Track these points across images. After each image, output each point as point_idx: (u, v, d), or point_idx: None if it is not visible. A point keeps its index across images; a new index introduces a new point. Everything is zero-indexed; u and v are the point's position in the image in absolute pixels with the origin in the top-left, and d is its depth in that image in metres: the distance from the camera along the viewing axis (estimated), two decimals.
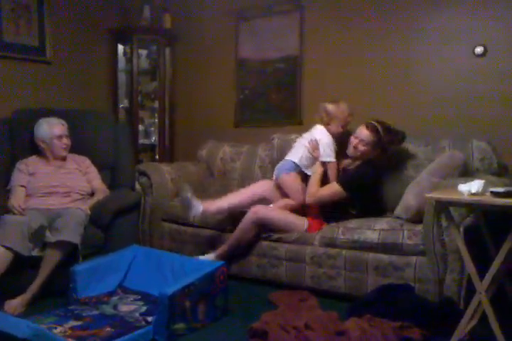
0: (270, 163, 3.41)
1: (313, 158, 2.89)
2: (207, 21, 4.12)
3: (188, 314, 2.15)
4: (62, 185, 2.88)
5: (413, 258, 2.42)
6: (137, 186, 3.37)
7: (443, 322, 2.11)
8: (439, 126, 3.12)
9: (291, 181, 2.92)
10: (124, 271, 2.59)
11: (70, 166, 3.01)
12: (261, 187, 3.05)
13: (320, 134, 2.92)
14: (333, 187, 2.78)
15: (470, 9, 3.01)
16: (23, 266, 2.47)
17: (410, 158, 2.91)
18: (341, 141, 2.95)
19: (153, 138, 4.33)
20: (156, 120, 4.29)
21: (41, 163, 2.97)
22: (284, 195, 2.96)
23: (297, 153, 2.95)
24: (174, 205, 3.28)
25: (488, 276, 1.86)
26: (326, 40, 3.54)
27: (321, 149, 2.87)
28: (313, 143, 2.89)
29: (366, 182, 2.80)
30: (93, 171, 3.08)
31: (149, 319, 2.19)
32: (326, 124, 2.93)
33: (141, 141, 4.28)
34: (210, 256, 2.83)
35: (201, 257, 2.83)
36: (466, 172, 2.59)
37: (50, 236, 2.53)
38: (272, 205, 2.92)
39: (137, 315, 2.27)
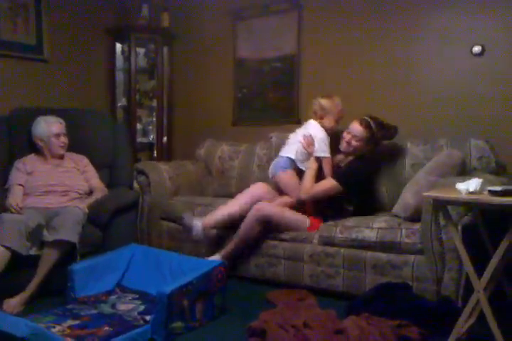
0: (268, 161, 3.40)
1: (308, 153, 2.89)
2: (205, 20, 4.12)
3: (186, 313, 2.15)
4: (60, 183, 2.88)
5: (411, 257, 2.42)
6: (135, 185, 3.36)
7: (441, 321, 2.11)
8: (437, 125, 3.13)
9: (288, 179, 2.92)
10: (123, 269, 2.58)
11: (68, 165, 3.00)
12: (258, 189, 3.00)
13: (314, 129, 2.91)
14: (329, 183, 2.78)
15: (469, 9, 3.01)
16: (21, 265, 2.46)
17: (408, 157, 2.92)
18: (333, 137, 2.95)
19: (152, 136, 4.33)
20: (154, 119, 4.29)
21: (39, 161, 2.97)
22: (281, 192, 2.96)
23: (292, 148, 2.93)
24: (172, 204, 3.28)
25: (486, 275, 1.86)
26: (324, 39, 3.55)
27: (316, 144, 2.86)
28: (308, 138, 2.88)
29: (360, 178, 2.80)
30: (91, 170, 3.07)
31: (147, 318, 2.19)
32: (320, 119, 2.92)
33: (139, 139, 4.28)
34: (216, 257, 2.78)
35: (210, 258, 2.79)
36: (464, 171, 2.59)
37: (48, 235, 2.52)
38: None
39: (135, 313, 2.27)
